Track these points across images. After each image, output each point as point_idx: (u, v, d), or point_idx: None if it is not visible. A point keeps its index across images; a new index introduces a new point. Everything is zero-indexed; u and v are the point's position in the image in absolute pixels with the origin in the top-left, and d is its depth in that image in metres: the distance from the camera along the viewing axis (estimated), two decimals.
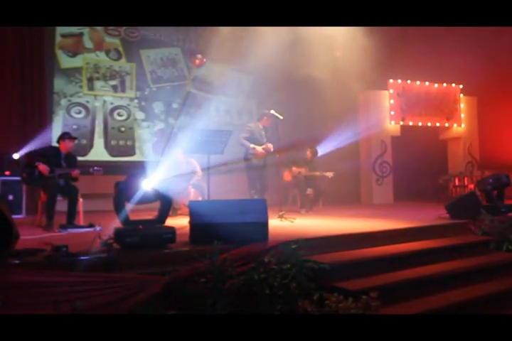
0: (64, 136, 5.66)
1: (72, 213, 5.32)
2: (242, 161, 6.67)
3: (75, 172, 5.42)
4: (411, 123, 10.41)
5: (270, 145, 6.63)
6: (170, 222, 4.28)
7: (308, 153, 7.88)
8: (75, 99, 8.61)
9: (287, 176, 7.91)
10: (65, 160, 5.57)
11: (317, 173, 7.52)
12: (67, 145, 5.61)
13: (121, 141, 8.98)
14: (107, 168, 5.74)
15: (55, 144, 7.99)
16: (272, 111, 6.48)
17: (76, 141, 5.97)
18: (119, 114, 8.99)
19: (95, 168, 5.44)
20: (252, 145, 6.57)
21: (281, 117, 6.42)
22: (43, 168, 5.28)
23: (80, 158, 6.39)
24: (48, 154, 5.53)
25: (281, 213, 6.10)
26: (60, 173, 5.40)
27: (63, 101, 8.52)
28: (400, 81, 10.39)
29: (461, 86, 10.96)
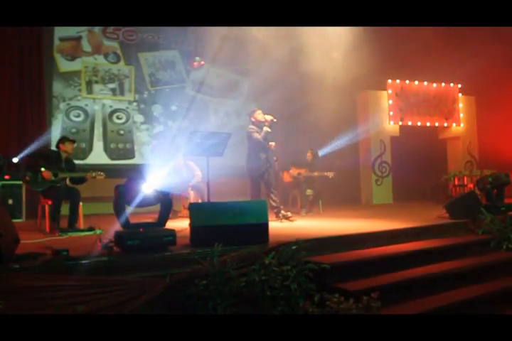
0: (63, 140, 5.69)
1: (74, 216, 5.33)
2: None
3: (88, 176, 5.51)
4: (410, 123, 10.43)
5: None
6: (170, 224, 4.29)
7: (309, 154, 7.89)
8: (73, 103, 8.61)
9: (287, 177, 7.92)
10: (65, 164, 5.58)
11: (316, 174, 7.53)
12: (67, 148, 5.62)
13: (121, 144, 8.99)
14: (106, 171, 5.75)
15: (53, 148, 8.03)
16: (268, 116, 6.38)
17: (75, 145, 5.96)
18: (118, 117, 8.99)
19: (99, 172, 5.52)
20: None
21: (275, 120, 6.31)
22: (46, 174, 5.28)
23: (79, 162, 6.38)
24: (50, 158, 5.52)
25: (281, 214, 6.11)
26: (63, 177, 5.43)
27: (62, 105, 8.52)
28: (398, 81, 10.41)
29: (459, 85, 10.97)
